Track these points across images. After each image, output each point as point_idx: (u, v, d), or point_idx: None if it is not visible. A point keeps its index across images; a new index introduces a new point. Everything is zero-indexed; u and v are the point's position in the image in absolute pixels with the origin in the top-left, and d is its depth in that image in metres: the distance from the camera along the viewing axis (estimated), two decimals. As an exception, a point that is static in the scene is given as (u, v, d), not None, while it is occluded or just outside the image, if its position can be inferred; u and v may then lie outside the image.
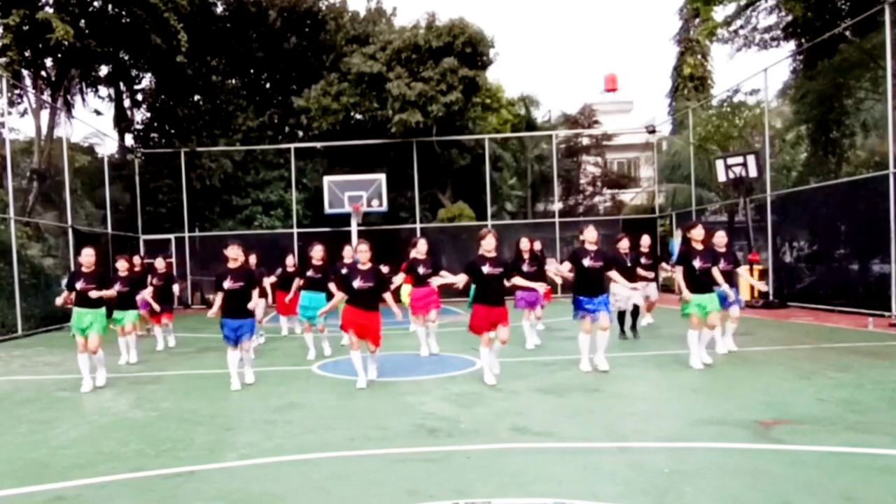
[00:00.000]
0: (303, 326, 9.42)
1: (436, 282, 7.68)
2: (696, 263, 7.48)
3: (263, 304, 10.61)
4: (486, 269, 6.73)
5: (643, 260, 10.28)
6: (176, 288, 11.44)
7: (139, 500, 3.81)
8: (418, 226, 20.60)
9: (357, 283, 6.85)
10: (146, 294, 9.95)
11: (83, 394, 7.00)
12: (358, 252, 7.08)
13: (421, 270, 8.96)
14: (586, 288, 7.35)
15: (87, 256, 7.37)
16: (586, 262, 7.31)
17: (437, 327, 9.19)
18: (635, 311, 9.98)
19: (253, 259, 10.20)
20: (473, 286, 9.25)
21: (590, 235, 7.42)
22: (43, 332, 13.51)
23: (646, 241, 10.44)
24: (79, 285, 7.27)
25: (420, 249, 9.11)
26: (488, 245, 6.76)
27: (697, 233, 7.60)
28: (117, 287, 8.81)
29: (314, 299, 8.96)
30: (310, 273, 9.07)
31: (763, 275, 15.22)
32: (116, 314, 9.05)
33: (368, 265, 6.98)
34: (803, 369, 7.12)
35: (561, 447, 4.58)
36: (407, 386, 6.94)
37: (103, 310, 7.41)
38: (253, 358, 7.45)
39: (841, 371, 6.94)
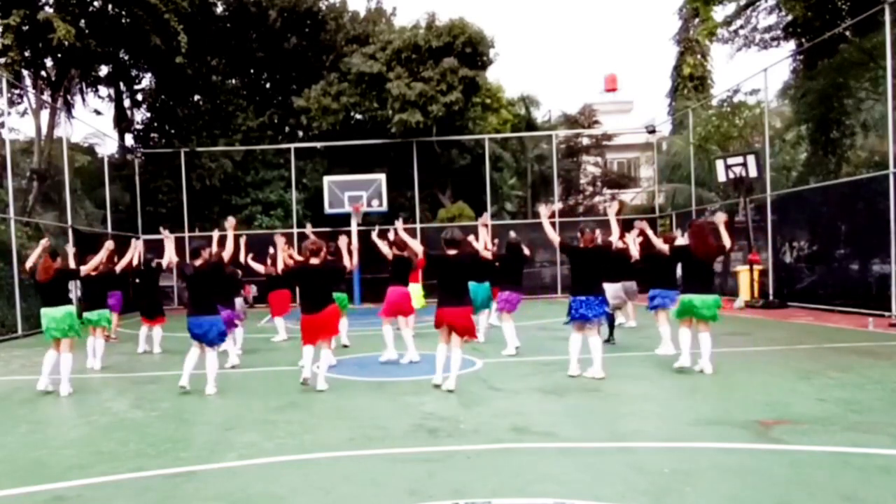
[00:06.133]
0: None
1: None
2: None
3: (241, 302, 10.55)
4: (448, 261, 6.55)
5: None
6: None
7: (139, 500, 3.81)
8: (418, 225, 20.59)
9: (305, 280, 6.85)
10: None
11: (84, 393, 7.00)
12: (309, 246, 6.98)
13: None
14: (580, 283, 6.93)
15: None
16: (580, 252, 6.99)
17: (413, 331, 8.70)
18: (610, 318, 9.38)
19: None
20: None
21: (587, 238, 7.03)
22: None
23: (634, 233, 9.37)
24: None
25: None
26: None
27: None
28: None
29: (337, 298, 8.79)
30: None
31: (763, 275, 15.23)
32: (87, 315, 8.79)
33: (318, 260, 6.92)
34: (803, 369, 7.12)
35: (561, 447, 4.57)
36: (407, 386, 6.94)
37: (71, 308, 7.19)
38: (216, 368, 6.93)
39: (841, 371, 6.94)
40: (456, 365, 6.54)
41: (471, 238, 7.46)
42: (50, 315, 7.03)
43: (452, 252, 6.64)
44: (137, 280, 10.76)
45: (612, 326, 9.48)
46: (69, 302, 7.23)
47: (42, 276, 7.05)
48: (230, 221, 7.19)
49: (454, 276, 6.64)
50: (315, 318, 6.81)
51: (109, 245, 8.31)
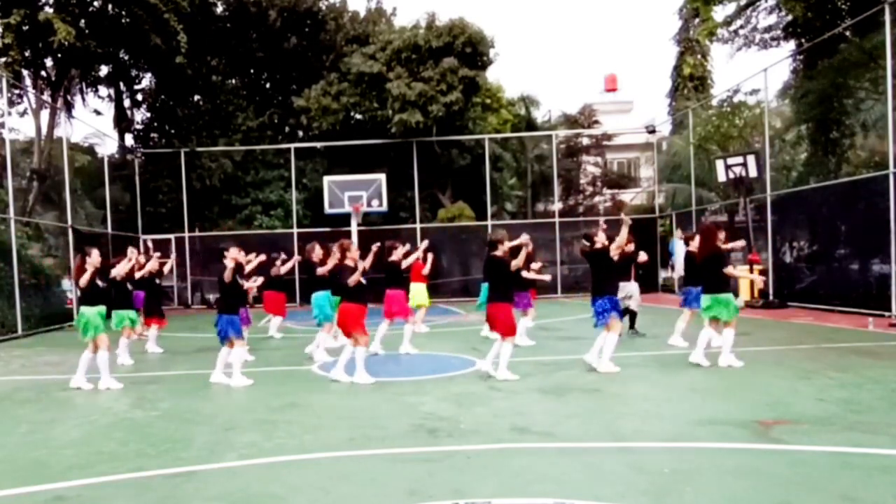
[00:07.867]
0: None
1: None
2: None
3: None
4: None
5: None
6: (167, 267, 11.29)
7: (139, 500, 3.81)
8: (418, 225, 20.60)
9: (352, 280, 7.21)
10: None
11: (85, 393, 7.02)
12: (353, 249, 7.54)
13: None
14: (594, 284, 7.49)
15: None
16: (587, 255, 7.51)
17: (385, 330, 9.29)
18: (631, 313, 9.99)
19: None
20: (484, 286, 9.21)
21: (601, 238, 7.43)
22: (43, 332, 13.50)
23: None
24: (101, 283, 7.41)
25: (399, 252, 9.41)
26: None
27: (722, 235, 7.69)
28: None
29: (329, 299, 9.03)
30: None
31: (763, 275, 15.22)
32: (117, 314, 8.91)
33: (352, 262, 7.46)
34: (803, 369, 7.12)
35: (561, 447, 4.58)
36: (407, 386, 6.94)
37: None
38: (223, 359, 7.37)
39: (841, 371, 6.94)
40: (501, 354, 7.02)
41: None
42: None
43: (490, 253, 7.27)
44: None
45: (632, 319, 10.03)
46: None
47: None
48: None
49: (486, 275, 7.46)
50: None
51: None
